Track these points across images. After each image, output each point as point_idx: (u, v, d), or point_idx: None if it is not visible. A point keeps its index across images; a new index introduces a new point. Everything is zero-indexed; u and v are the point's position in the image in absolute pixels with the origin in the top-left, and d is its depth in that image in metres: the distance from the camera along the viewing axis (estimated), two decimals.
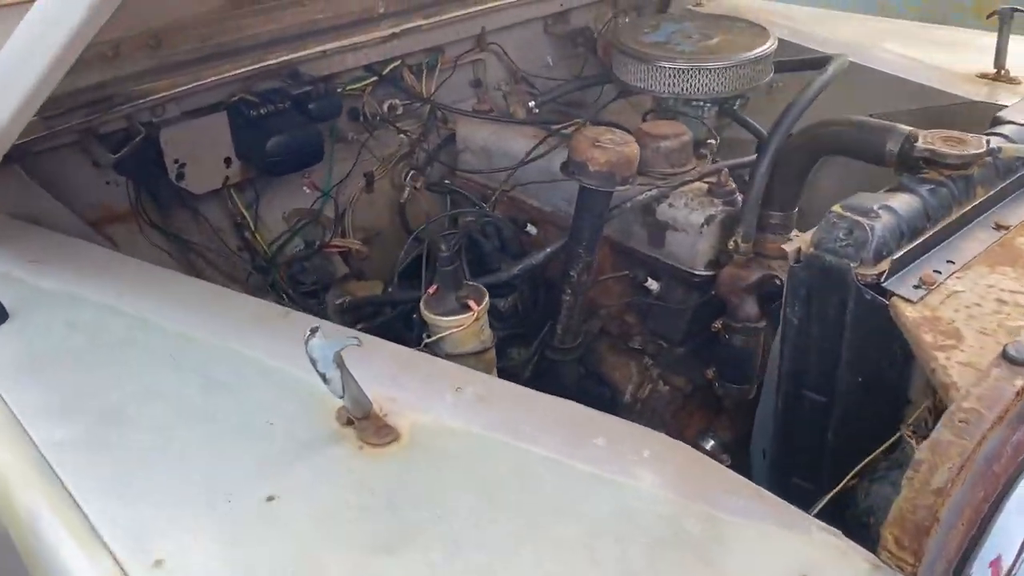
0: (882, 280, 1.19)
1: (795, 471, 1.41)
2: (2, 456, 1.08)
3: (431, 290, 1.44)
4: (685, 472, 1.01)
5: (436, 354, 1.44)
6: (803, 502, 1.00)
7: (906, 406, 1.24)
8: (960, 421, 0.89)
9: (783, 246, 1.29)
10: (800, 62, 2.10)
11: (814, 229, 1.30)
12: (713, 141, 1.98)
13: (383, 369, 1.18)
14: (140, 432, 1.10)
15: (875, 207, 1.26)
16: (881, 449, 1.21)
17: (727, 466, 1.76)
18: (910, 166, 1.48)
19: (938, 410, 1.18)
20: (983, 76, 2.18)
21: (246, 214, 1.97)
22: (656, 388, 1.84)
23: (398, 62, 2.18)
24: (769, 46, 2.04)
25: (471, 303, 1.40)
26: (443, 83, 2.31)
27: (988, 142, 1.35)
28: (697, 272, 1.80)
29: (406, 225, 2.29)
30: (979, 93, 2.13)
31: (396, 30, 2.10)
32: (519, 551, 0.91)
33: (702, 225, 1.77)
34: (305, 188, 2.11)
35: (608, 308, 1.90)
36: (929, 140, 1.36)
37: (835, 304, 1.24)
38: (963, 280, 1.21)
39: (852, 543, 0.90)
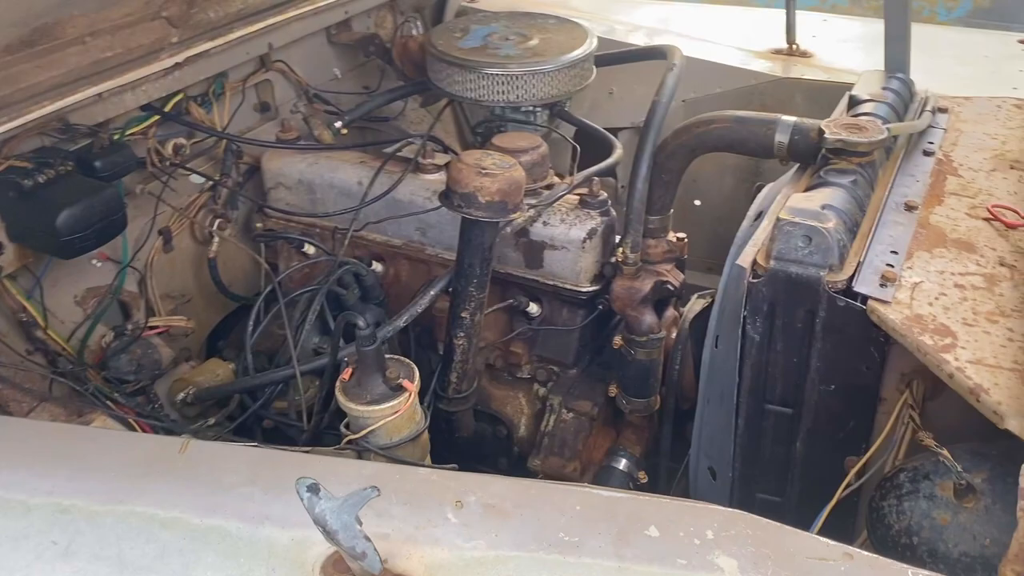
0: (855, 284, 1.15)
1: (760, 485, 1.36)
2: None
3: (346, 375, 1.20)
4: (763, 546, 0.89)
5: (365, 450, 1.21)
6: (772, 515, 0.92)
7: (879, 404, 1.22)
8: None
9: (751, 259, 1.21)
10: (624, 55, 2.06)
11: (762, 241, 1.24)
12: (577, 148, 1.88)
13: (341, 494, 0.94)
14: None
15: (820, 208, 1.22)
16: (866, 458, 1.18)
17: (644, 482, 1.72)
18: (802, 156, 1.47)
19: (920, 404, 1.17)
20: (777, 52, 2.27)
21: (30, 308, 1.56)
22: (560, 418, 1.72)
23: (180, 95, 1.84)
24: (591, 42, 1.96)
25: (404, 383, 1.18)
26: (236, 112, 1.99)
27: (886, 127, 1.36)
28: (582, 289, 1.70)
29: (220, 285, 1.97)
30: (778, 69, 2.21)
31: (179, 59, 1.77)
32: None
33: (584, 240, 1.66)
34: (95, 261, 1.72)
35: (492, 343, 1.74)
36: (836, 130, 1.35)
37: (803, 315, 1.19)
38: (915, 270, 1.20)
39: None
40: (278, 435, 1.63)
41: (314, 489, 0.74)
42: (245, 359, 1.62)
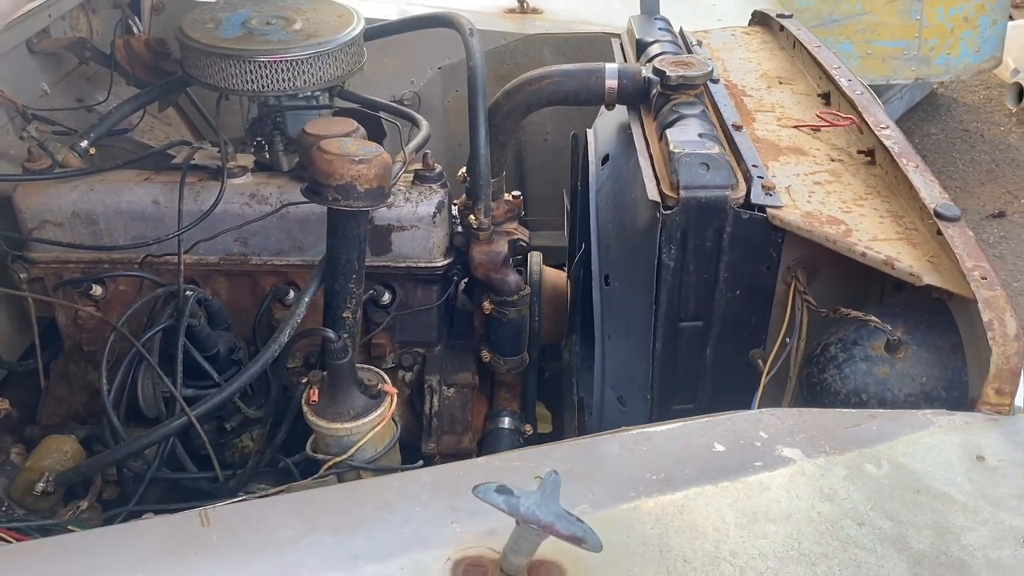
0: (751, 197, 1.30)
1: (675, 399, 1.49)
2: None
3: (313, 396, 1.09)
4: (805, 430, 1.00)
5: (350, 470, 1.12)
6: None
7: (772, 300, 1.40)
8: (982, 277, 1.06)
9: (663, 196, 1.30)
10: (398, 24, 2.03)
11: (652, 177, 1.34)
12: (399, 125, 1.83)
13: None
14: None
15: (699, 137, 1.35)
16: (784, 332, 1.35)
17: (531, 434, 1.78)
18: (630, 98, 1.60)
19: (801, 291, 1.36)
20: (511, 12, 2.39)
21: None
22: (444, 396, 1.71)
23: None
24: (360, 17, 1.91)
25: (384, 387, 1.11)
26: None
27: (706, 62, 1.53)
28: (437, 264, 1.69)
29: None
30: (519, 27, 2.33)
31: None
32: None
33: (434, 215, 1.65)
34: None
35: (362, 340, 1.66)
36: (671, 66, 1.48)
37: (712, 234, 1.32)
38: (778, 177, 1.38)
39: (966, 414, 1.02)
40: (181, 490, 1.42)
41: (504, 490, 0.70)
42: (104, 426, 1.38)
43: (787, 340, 1.37)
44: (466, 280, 1.77)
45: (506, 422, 1.77)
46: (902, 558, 0.86)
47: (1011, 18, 5.70)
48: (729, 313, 1.40)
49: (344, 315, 1.48)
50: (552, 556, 0.84)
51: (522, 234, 1.72)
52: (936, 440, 1.00)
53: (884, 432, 1.01)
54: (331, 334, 1.08)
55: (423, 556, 0.85)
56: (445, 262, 1.69)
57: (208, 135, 2.33)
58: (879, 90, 4.96)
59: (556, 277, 1.89)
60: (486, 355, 1.74)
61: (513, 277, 1.68)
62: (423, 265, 1.68)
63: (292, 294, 1.69)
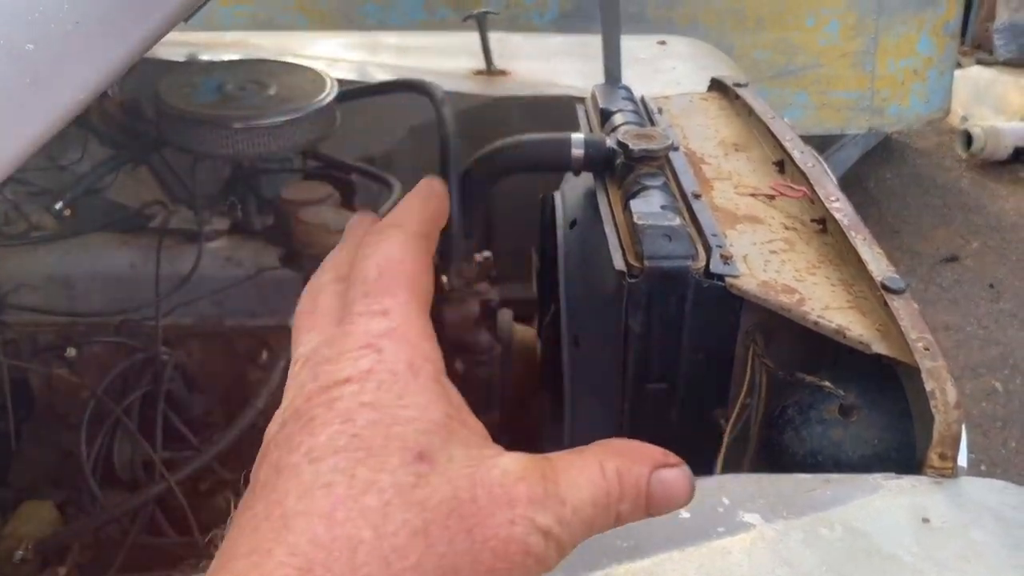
0: (711, 267, 1.37)
1: None
2: None
3: None
4: (764, 497, 1.06)
5: None
6: None
7: (731, 363, 1.46)
8: (925, 348, 1.14)
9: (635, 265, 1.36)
10: (369, 89, 2.10)
11: (618, 246, 1.41)
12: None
13: None
14: None
15: (661, 209, 1.42)
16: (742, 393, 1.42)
17: None
18: (595, 166, 1.67)
19: (759, 354, 1.43)
20: (479, 73, 2.46)
21: None
22: None
23: None
24: (333, 82, 1.98)
25: None
26: None
27: (666, 134, 1.61)
28: None
29: None
30: (488, 89, 2.41)
31: None
32: None
33: None
34: None
35: None
36: (635, 140, 1.56)
37: (675, 301, 1.38)
38: (736, 246, 1.45)
39: (913, 477, 1.09)
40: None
41: None
42: (83, 491, 1.40)
43: (747, 401, 1.44)
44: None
45: None
46: None
47: (960, 66, 5.93)
48: (693, 375, 1.46)
49: None
50: None
51: (492, 294, 1.77)
52: (885, 503, 1.06)
53: (838, 496, 1.07)
54: None
55: None
56: None
57: (180, 193, 2.36)
58: (835, 138, 5.14)
59: (525, 332, 1.95)
60: None
61: (484, 336, 1.73)
62: None
63: (265, 355, 1.73)
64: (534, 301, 2.26)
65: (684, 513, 1.04)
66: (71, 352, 1.71)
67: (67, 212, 1.84)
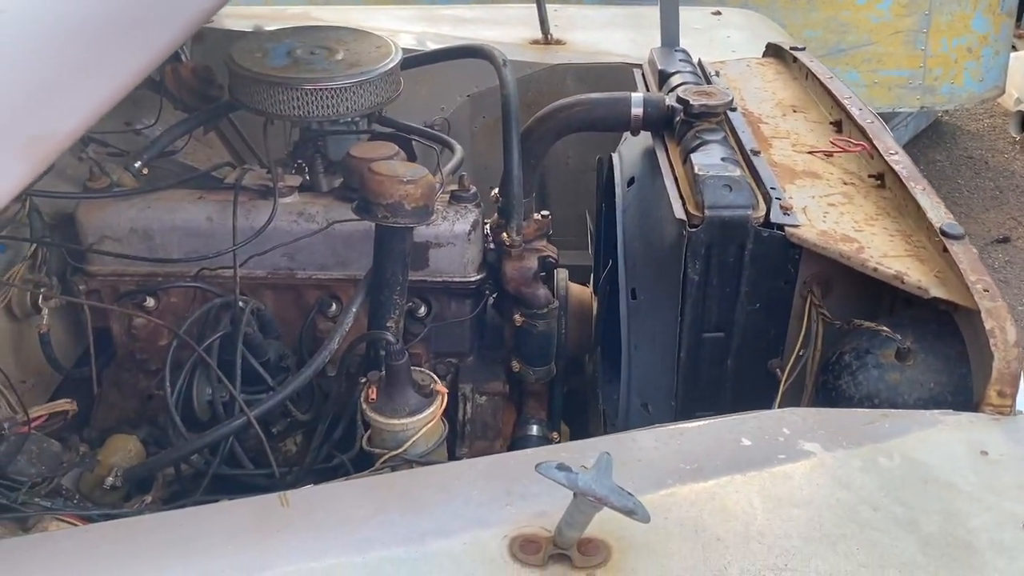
0: (771, 217, 1.40)
1: (698, 406, 1.58)
2: None
3: (372, 394, 1.20)
4: (824, 428, 1.10)
5: (404, 463, 1.22)
6: None
7: (788, 313, 1.50)
8: (984, 290, 1.16)
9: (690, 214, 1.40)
10: (433, 55, 2.15)
11: (678, 198, 1.45)
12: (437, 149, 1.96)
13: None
14: None
15: (722, 161, 1.46)
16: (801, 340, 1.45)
17: (558, 441, 1.87)
18: (654, 125, 1.71)
19: (817, 304, 1.46)
20: (536, 43, 2.51)
21: None
22: (476, 403, 1.80)
23: None
24: (398, 48, 2.03)
25: (436, 387, 1.21)
26: None
27: (726, 91, 1.64)
28: (471, 279, 1.79)
29: (55, 362, 1.75)
30: (543, 57, 2.45)
31: None
32: None
33: (469, 233, 1.75)
34: None
35: None
36: (694, 96, 1.60)
37: (734, 250, 1.42)
38: (795, 199, 1.49)
39: (971, 414, 1.12)
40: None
41: (564, 467, 0.80)
42: (168, 425, 1.48)
43: (803, 352, 1.47)
44: (496, 295, 1.88)
45: (534, 429, 1.86)
46: (913, 539, 0.95)
47: (1015, 48, 5.82)
48: (749, 325, 1.50)
49: (388, 324, 1.58)
50: (598, 535, 0.94)
51: (551, 251, 1.82)
52: (943, 437, 1.09)
53: (896, 429, 1.10)
54: (390, 336, 1.19)
55: (482, 534, 0.94)
56: (478, 277, 1.79)
57: (248, 158, 2.44)
58: (885, 118, 5.08)
59: (581, 292, 1.99)
60: (516, 365, 1.84)
61: (543, 291, 1.78)
62: (458, 280, 1.78)
63: (334, 307, 1.80)
64: (587, 267, 2.31)
65: (746, 441, 1.09)
66: (150, 302, 1.80)
67: (144, 171, 1.93)
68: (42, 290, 1.70)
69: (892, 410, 1.16)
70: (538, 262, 1.79)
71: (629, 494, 0.82)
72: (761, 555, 0.92)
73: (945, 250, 1.28)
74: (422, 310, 1.79)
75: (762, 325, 1.50)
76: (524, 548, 0.92)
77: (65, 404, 1.49)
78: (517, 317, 1.79)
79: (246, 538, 0.95)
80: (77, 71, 0.75)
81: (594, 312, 1.97)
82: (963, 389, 1.25)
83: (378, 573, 0.90)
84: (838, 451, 1.07)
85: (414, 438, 1.19)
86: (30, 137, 0.70)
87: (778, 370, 1.51)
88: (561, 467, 0.81)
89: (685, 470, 1.04)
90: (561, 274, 1.94)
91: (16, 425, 1.44)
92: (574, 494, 0.82)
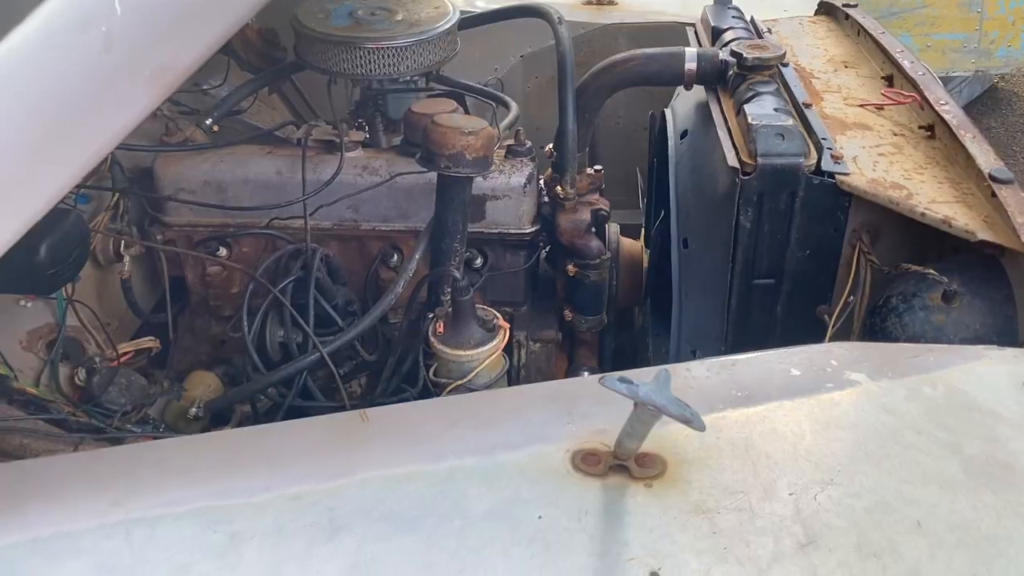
0: (821, 165, 1.45)
1: (746, 350, 1.63)
2: None
3: (440, 328, 1.28)
4: (870, 360, 1.15)
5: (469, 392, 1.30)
6: None
7: (838, 260, 1.54)
8: None
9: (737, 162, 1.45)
10: (490, 15, 2.21)
11: (731, 147, 1.50)
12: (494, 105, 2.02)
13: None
14: None
15: (775, 111, 1.50)
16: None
17: None
18: (707, 79, 1.75)
19: (865, 251, 1.50)
20: (588, 3, 2.55)
21: None
22: (530, 350, 1.88)
23: None
24: (454, 9, 2.09)
25: (499, 322, 1.29)
26: None
27: (778, 45, 1.68)
28: (526, 231, 1.86)
29: (136, 307, 1.86)
30: (596, 17, 2.49)
31: None
32: None
33: (525, 185, 1.82)
34: (23, 303, 1.57)
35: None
36: (749, 50, 1.63)
37: (786, 198, 1.47)
38: (845, 149, 1.53)
39: (1016, 349, 1.16)
40: None
41: (625, 380, 0.87)
42: (245, 362, 1.58)
43: (851, 298, 1.52)
44: (549, 248, 1.94)
45: (585, 376, 1.93)
46: (955, 460, 1.00)
47: None
48: (799, 272, 1.55)
49: (452, 272, 1.66)
50: (655, 449, 1.01)
51: (603, 204, 1.88)
52: (987, 370, 1.14)
53: (940, 362, 1.15)
54: (457, 273, 1.26)
55: (546, 448, 1.02)
56: (533, 229, 1.86)
57: (309, 119, 2.53)
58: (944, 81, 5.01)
59: (632, 246, 2.05)
60: (568, 314, 1.91)
61: (595, 243, 1.84)
62: (513, 231, 1.85)
63: (396, 257, 1.88)
64: (638, 226, 2.36)
65: (795, 371, 1.14)
66: (223, 251, 1.90)
67: (215, 129, 2.02)
68: (124, 238, 1.80)
69: (937, 345, 1.21)
70: (591, 215, 1.85)
71: (686, 404, 0.88)
72: (808, 471, 0.98)
73: (993, 195, 1.31)
74: (479, 261, 1.87)
75: (811, 271, 1.55)
76: (585, 460, 0.99)
77: (149, 342, 1.60)
78: (570, 267, 1.85)
79: (329, 449, 1.03)
80: (194, 12, 0.83)
81: (644, 265, 2.03)
82: (1008, 331, 1.29)
83: (451, 480, 0.98)
84: (883, 381, 1.12)
85: (478, 369, 1.27)
86: (155, 68, 0.78)
87: (826, 316, 1.56)
88: (623, 379, 0.88)
89: (736, 396, 1.10)
90: (613, 228, 2.00)
91: (106, 360, 1.56)
92: (634, 405, 0.89)
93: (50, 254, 1.32)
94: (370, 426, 1.06)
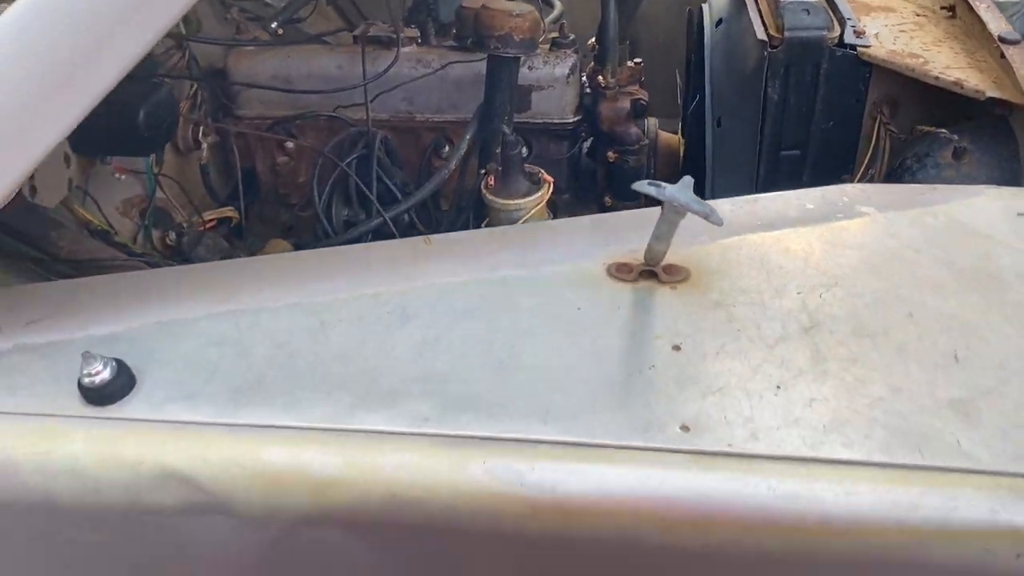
0: (844, 39, 1.56)
1: None
2: None
3: (491, 181, 1.43)
4: (877, 196, 1.28)
5: None
6: None
7: (859, 131, 1.66)
8: None
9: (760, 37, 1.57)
10: None
11: (759, 24, 1.61)
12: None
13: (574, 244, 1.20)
14: None
15: None
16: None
17: None
18: None
19: (885, 122, 1.61)
20: None
21: (95, 220, 1.60)
22: None
23: None
24: None
25: (543, 175, 1.44)
26: None
27: None
28: (569, 120, 1.99)
29: (212, 191, 2.05)
30: None
31: None
32: None
33: (568, 76, 1.95)
34: (116, 175, 1.76)
35: None
36: None
37: (810, 70, 1.58)
38: (868, 27, 1.63)
39: (1015, 188, 1.28)
40: None
41: (654, 184, 1.01)
42: (315, 230, 1.75)
43: (871, 171, 1.64)
44: (590, 139, 2.07)
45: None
46: (948, 271, 1.13)
47: None
48: (823, 142, 1.67)
49: (497, 151, 1.81)
50: (680, 261, 1.16)
51: (642, 95, 2.00)
52: (986, 203, 1.26)
53: (943, 197, 1.27)
54: (506, 129, 1.41)
55: (585, 262, 1.17)
56: (575, 119, 1.99)
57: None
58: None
59: (669, 138, 2.18)
60: (608, 201, 2.05)
61: (634, 130, 1.97)
62: (556, 121, 1.99)
63: (447, 148, 2.03)
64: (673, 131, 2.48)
65: (810, 205, 1.28)
66: (289, 144, 2.07)
67: (280, 32, 2.18)
68: (201, 128, 1.98)
69: (942, 185, 1.33)
70: (630, 103, 1.97)
71: (706, 203, 1.02)
72: (816, 277, 1.12)
73: (1003, 56, 1.42)
74: (524, 150, 2.01)
75: (835, 142, 1.67)
76: (619, 269, 1.14)
77: (229, 211, 1.78)
78: (610, 154, 1.99)
79: (398, 263, 1.20)
80: None
81: (681, 155, 2.15)
82: (1014, 184, 1.41)
83: (503, 284, 1.14)
84: (890, 212, 1.24)
85: (526, 217, 1.42)
86: None
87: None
88: (652, 183, 1.02)
89: (755, 224, 1.23)
90: (651, 120, 2.12)
91: (193, 226, 1.74)
92: (661, 208, 1.04)
93: (147, 119, 1.50)
94: (434, 247, 1.22)
